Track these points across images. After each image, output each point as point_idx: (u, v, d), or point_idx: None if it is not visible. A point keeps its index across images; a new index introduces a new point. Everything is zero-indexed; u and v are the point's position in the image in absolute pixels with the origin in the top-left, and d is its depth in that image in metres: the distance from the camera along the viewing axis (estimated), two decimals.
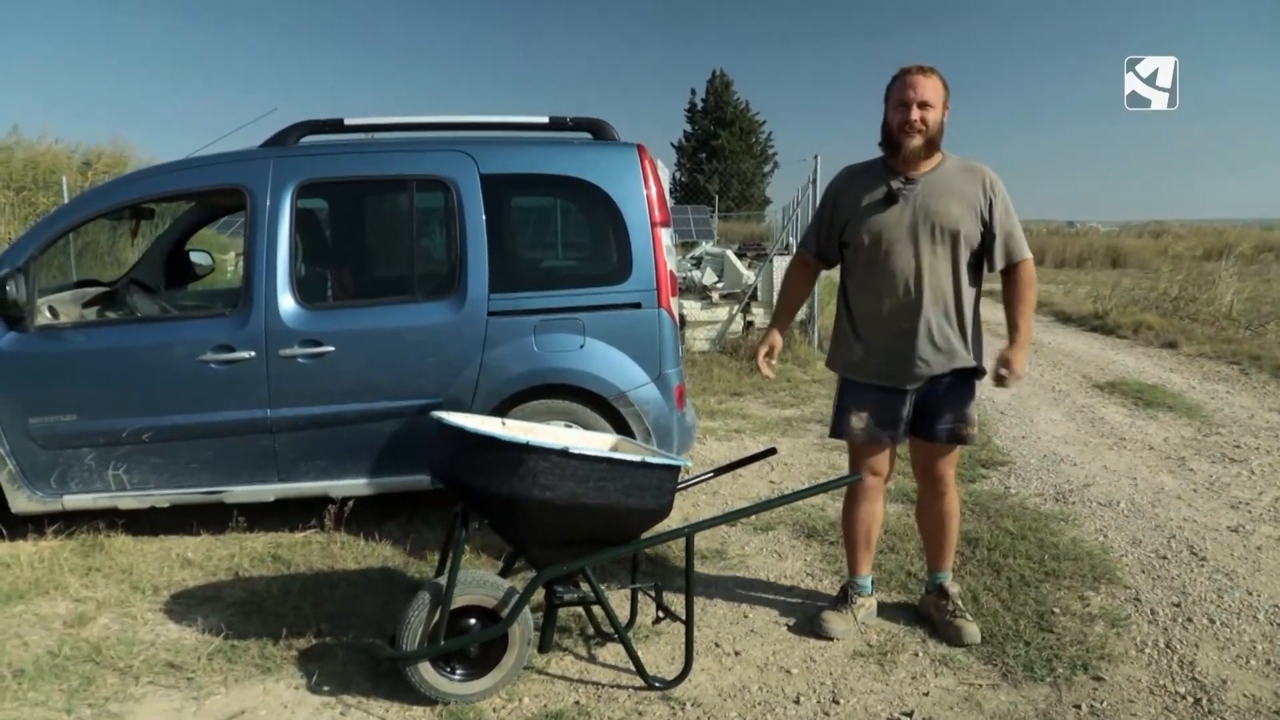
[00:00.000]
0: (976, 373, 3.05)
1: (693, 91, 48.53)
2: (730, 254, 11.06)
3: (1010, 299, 3.02)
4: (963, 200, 2.88)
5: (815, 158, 9.66)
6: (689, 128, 48.11)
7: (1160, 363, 9.12)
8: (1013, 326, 3.00)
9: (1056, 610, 3.29)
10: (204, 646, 3.06)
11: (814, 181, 9.74)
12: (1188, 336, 10.24)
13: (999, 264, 2.96)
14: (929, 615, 3.24)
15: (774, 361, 3.20)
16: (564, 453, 2.52)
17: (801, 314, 10.03)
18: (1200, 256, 16.96)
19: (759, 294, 10.14)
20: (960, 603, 3.21)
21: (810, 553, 3.97)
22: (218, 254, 8.54)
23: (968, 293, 2.95)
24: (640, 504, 2.64)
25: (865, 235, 2.94)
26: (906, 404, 3.01)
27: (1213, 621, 3.23)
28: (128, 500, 3.93)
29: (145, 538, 4.09)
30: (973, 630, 3.08)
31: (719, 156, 46.20)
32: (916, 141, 2.84)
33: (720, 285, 10.56)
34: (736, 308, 9.76)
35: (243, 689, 2.82)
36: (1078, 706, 2.68)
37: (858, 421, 3.06)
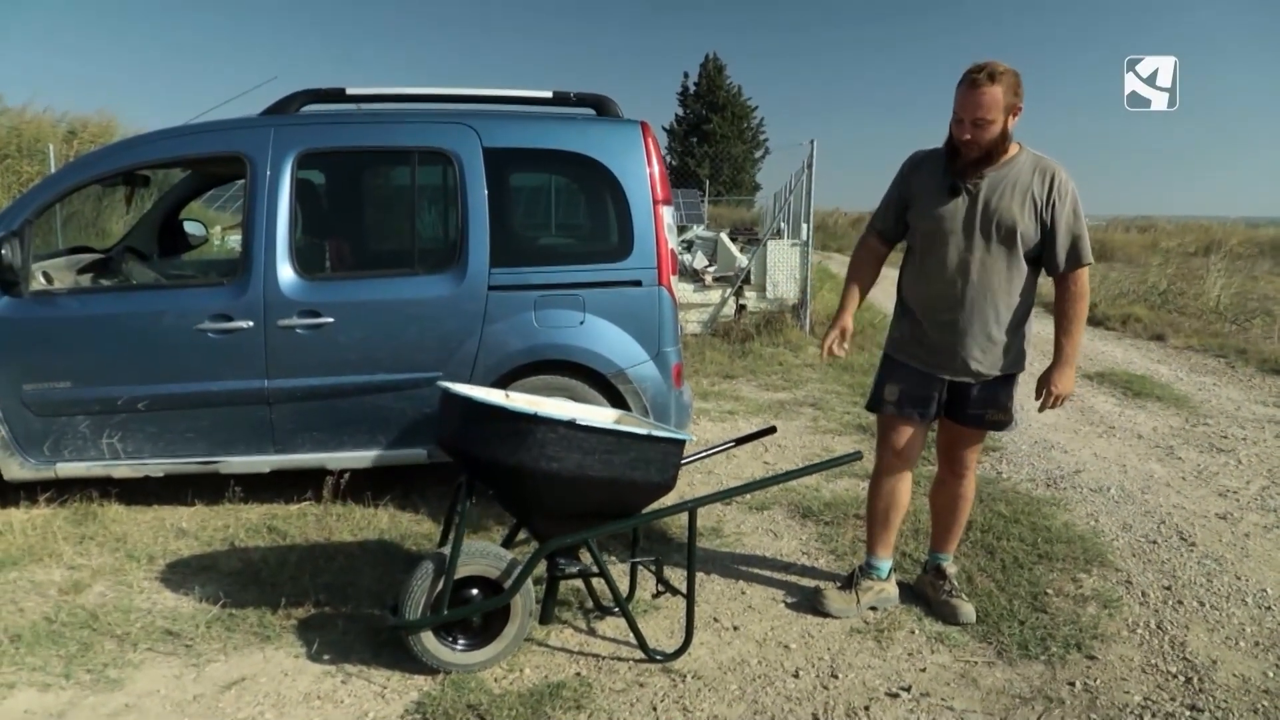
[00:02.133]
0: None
1: (685, 75, 48.41)
2: (724, 237, 11.07)
3: (1060, 310, 2.94)
4: (1026, 198, 2.82)
5: (811, 142, 9.65)
6: (680, 111, 47.97)
7: (1148, 354, 9.21)
8: (1058, 344, 2.95)
9: (1050, 591, 3.33)
10: (202, 615, 3.05)
11: (810, 166, 9.74)
12: (1175, 329, 10.33)
13: (1062, 266, 2.87)
14: (925, 594, 3.27)
15: (846, 346, 3.13)
16: (571, 424, 2.52)
17: (793, 298, 10.06)
18: (1191, 253, 17.09)
19: (751, 277, 10.15)
20: (956, 583, 3.24)
21: (805, 532, 4.00)
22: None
23: (1020, 293, 2.91)
24: (645, 477, 2.64)
25: (924, 222, 2.93)
26: (941, 389, 3.02)
27: (1202, 604, 3.28)
28: (122, 469, 3.90)
29: (139, 507, 4.07)
30: (968, 610, 3.12)
31: (710, 141, 46.07)
32: (971, 155, 2.80)
33: (713, 268, 10.57)
34: (729, 290, 9.77)
35: (242, 657, 2.82)
36: (1072, 684, 2.72)
37: (890, 395, 3.07)
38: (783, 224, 12.84)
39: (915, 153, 3.06)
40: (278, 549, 3.64)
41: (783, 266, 10.07)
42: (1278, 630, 3.08)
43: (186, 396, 3.84)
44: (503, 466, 2.52)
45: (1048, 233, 2.85)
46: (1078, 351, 2.99)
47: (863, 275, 3.20)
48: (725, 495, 2.93)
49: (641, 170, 4.08)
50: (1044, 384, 2.98)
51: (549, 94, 4.33)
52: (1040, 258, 2.92)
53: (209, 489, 4.15)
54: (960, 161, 2.83)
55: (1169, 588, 3.42)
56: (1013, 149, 2.86)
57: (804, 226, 10.21)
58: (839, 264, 20.60)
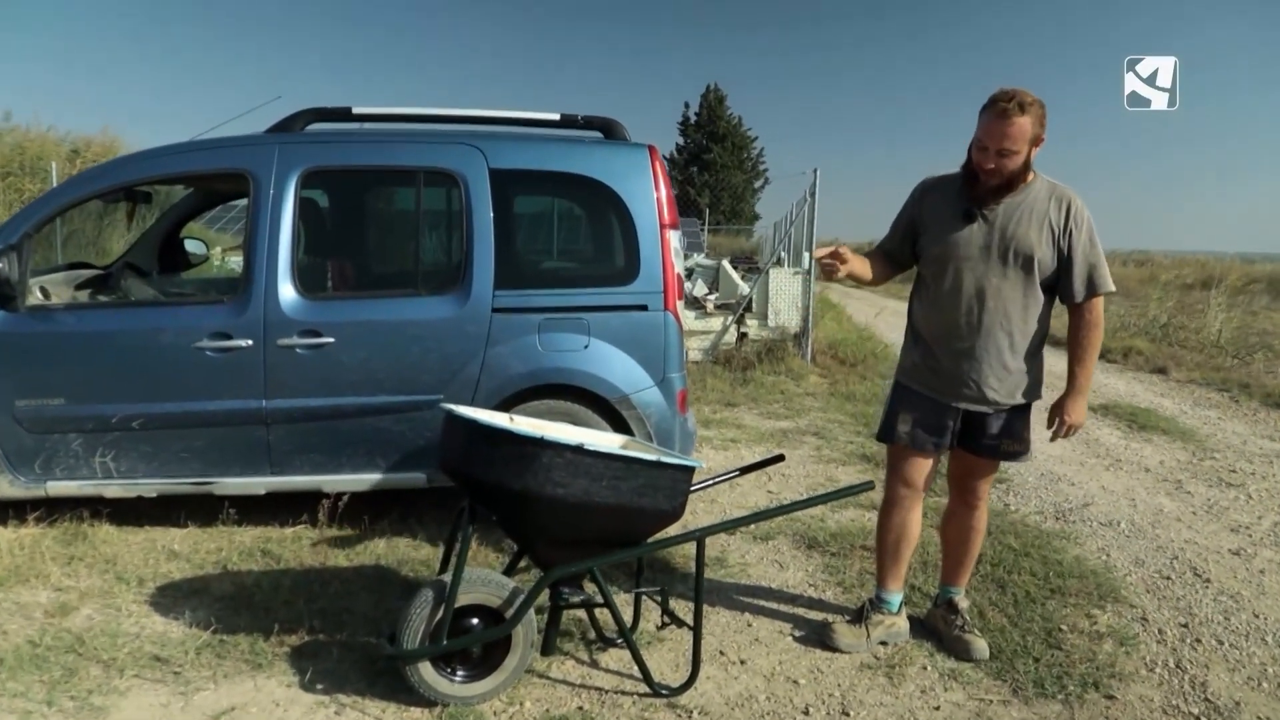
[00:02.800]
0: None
1: (686, 105, 48.76)
2: (726, 265, 11.04)
3: (1074, 339, 2.89)
4: (1043, 226, 2.78)
5: (814, 171, 9.67)
6: (681, 140, 48.30)
7: (1151, 387, 9.15)
8: (1071, 373, 2.89)
9: (1064, 627, 3.25)
10: (191, 640, 2.96)
11: (813, 194, 9.74)
12: (1177, 363, 10.29)
13: (1079, 295, 2.82)
14: (936, 629, 3.18)
15: (839, 266, 2.81)
16: (579, 449, 2.45)
17: (795, 326, 10.02)
18: (1189, 285, 17.11)
19: (753, 305, 10.12)
20: (968, 617, 3.16)
21: (811, 563, 3.91)
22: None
23: (1035, 322, 2.86)
24: (653, 505, 2.57)
25: (938, 249, 2.88)
26: (956, 418, 2.95)
27: (1221, 643, 3.20)
28: (114, 489, 3.82)
29: (130, 528, 3.98)
30: (981, 645, 3.03)
31: (710, 170, 46.37)
32: (992, 182, 2.76)
33: (714, 296, 10.54)
34: (731, 318, 9.73)
35: (232, 685, 2.72)
36: None
37: (904, 425, 2.99)
38: (783, 253, 12.83)
39: (927, 178, 3.03)
40: (271, 573, 3.55)
41: (785, 295, 10.05)
42: None
43: (182, 415, 3.77)
44: (507, 491, 2.45)
45: (1064, 261, 2.81)
46: (1090, 381, 2.93)
47: (880, 269, 3.07)
48: (735, 524, 2.85)
49: (649, 194, 4.04)
50: (1056, 413, 2.93)
51: (556, 116, 4.30)
52: (1055, 285, 2.87)
53: (202, 511, 4.06)
54: (979, 189, 2.78)
55: (1186, 625, 3.33)
56: (1028, 175, 2.82)
57: (806, 255, 10.19)
58: (839, 294, 20.62)
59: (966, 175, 2.84)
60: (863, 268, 2.98)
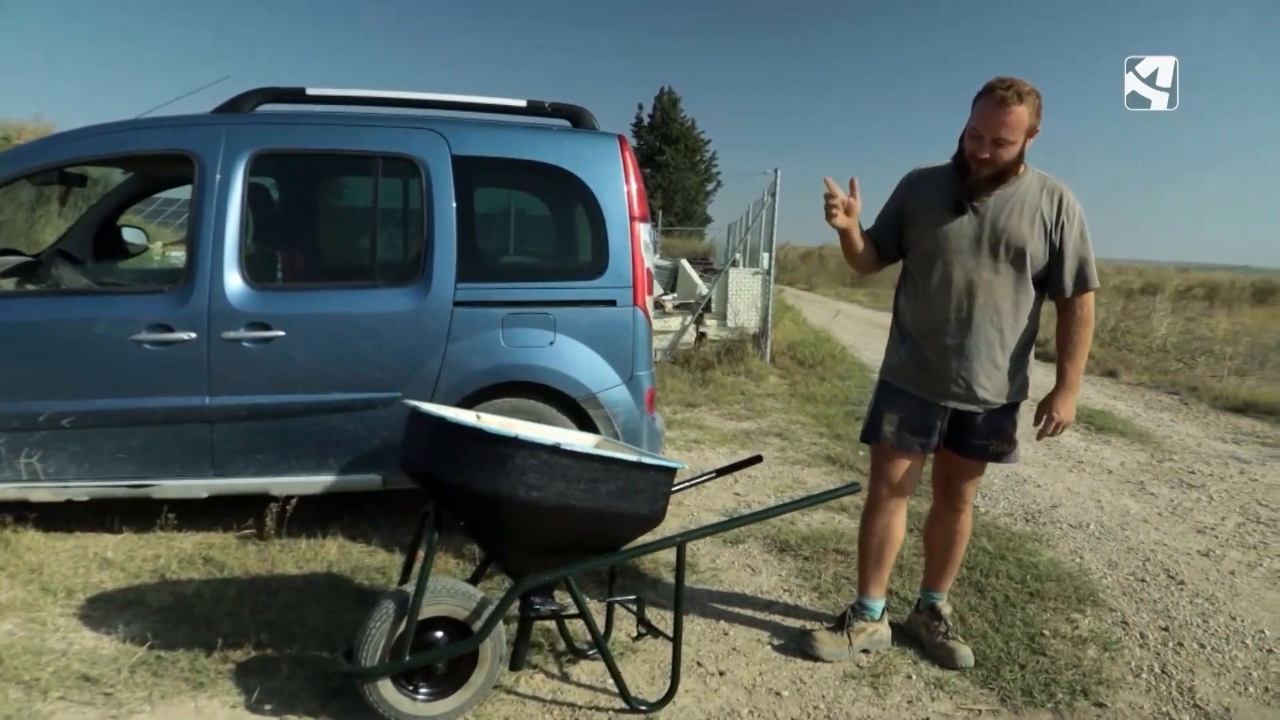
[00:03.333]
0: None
1: (640, 106, 48.76)
2: (685, 264, 10.94)
3: (1064, 336, 2.80)
4: (1034, 219, 2.69)
5: (775, 171, 9.60)
6: (635, 142, 48.22)
7: (1103, 390, 9.27)
8: (1061, 369, 2.80)
9: (1046, 632, 3.17)
10: (125, 657, 2.71)
11: (773, 194, 9.67)
12: (1127, 366, 10.46)
13: (1069, 290, 2.73)
14: (918, 635, 3.08)
15: (838, 211, 2.70)
16: (555, 449, 2.28)
17: (754, 327, 9.94)
18: (1135, 289, 17.49)
19: (712, 305, 10.02)
20: (951, 623, 3.06)
21: (784, 568, 3.79)
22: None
23: (1025, 319, 2.76)
24: (632, 509, 2.41)
25: (926, 241, 2.76)
26: (943, 417, 2.84)
27: (1203, 646, 3.15)
28: (40, 492, 3.53)
29: (58, 534, 3.69)
30: (966, 653, 2.93)
31: (663, 172, 46.40)
32: (985, 172, 2.65)
33: (673, 295, 10.42)
34: (690, 318, 9.61)
35: (170, 706, 2.50)
36: None
37: (889, 425, 2.87)
38: (738, 254, 12.78)
39: (914, 170, 2.91)
40: (214, 583, 3.31)
41: (744, 295, 9.97)
42: None
43: (118, 414, 3.50)
44: (477, 495, 2.27)
45: (1055, 255, 2.72)
46: (1080, 379, 2.85)
47: (869, 251, 2.91)
48: (720, 528, 2.70)
49: (618, 185, 3.88)
50: (1045, 409, 2.82)
51: (522, 103, 4.12)
52: (1046, 281, 2.79)
53: (138, 515, 3.78)
54: (971, 179, 2.68)
55: (1166, 629, 3.28)
56: (1020, 167, 2.72)
57: (765, 255, 10.13)
58: (792, 297, 20.71)
59: (957, 165, 2.73)
60: (858, 233, 2.82)
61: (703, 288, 10.22)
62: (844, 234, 2.78)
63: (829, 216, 2.71)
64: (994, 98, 2.56)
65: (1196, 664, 3.01)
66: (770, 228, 9.94)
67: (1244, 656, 3.08)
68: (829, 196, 2.69)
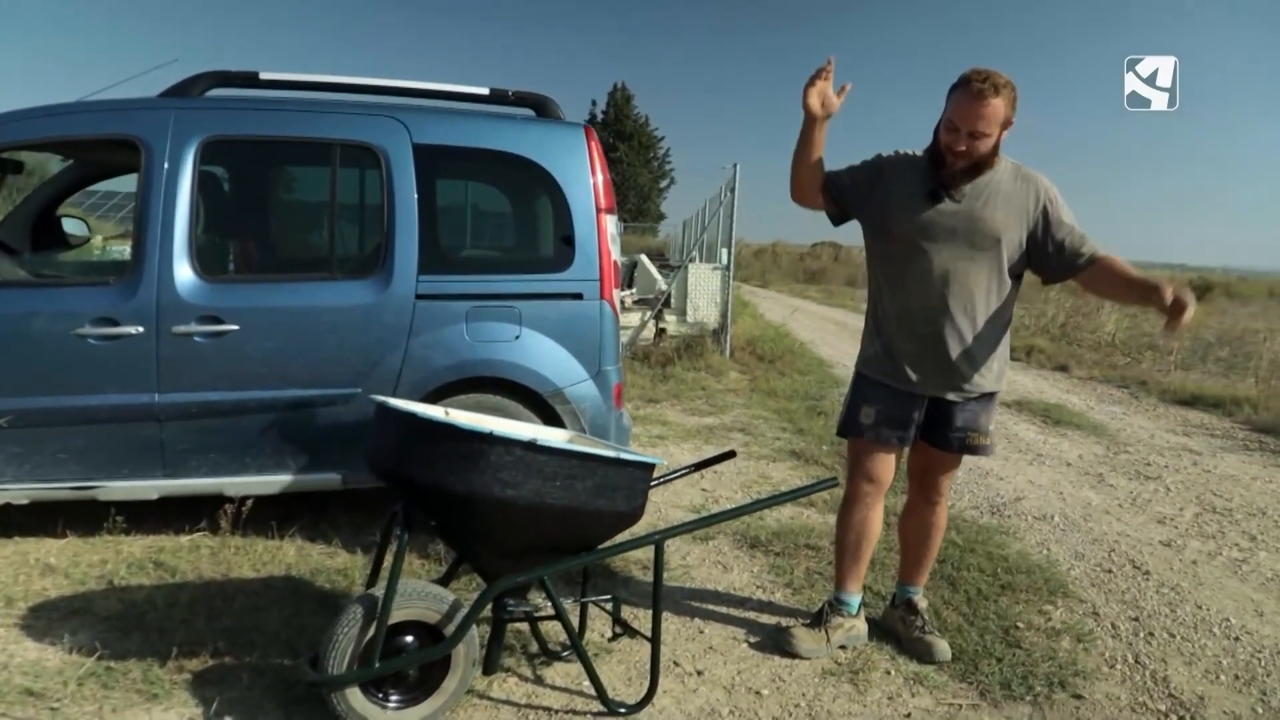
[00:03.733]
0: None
1: (594, 103, 48.64)
2: (645, 259, 10.88)
3: (1113, 276, 2.63)
4: (1010, 207, 2.66)
5: (735, 166, 9.59)
6: None
7: (1056, 384, 9.43)
8: (1139, 282, 2.56)
9: (1020, 625, 3.17)
10: (72, 669, 2.56)
11: (732, 189, 9.66)
12: (1077, 361, 10.67)
13: (1093, 252, 2.63)
14: (895, 630, 3.05)
15: (823, 84, 2.59)
16: (531, 445, 2.20)
17: (714, 322, 9.92)
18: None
19: (672, 301, 9.98)
20: (927, 618, 3.04)
21: (756, 564, 3.75)
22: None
23: (1001, 306, 2.73)
24: (610, 506, 2.34)
25: (901, 229, 2.70)
26: (920, 409, 2.81)
27: (1173, 635, 3.18)
28: None
29: None
30: (943, 646, 2.91)
31: (617, 168, 46.30)
32: (959, 165, 2.61)
33: (632, 291, 10.35)
34: (649, 313, 9.56)
35: None
36: None
37: (866, 418, 2.82)
38: (695, 252, 12.76)
39: (895, 152, 2.83)
40: (166, 588, 3.15)
41: (703, 290, 9.95)
42: (1253, 661, 2.99)
43: (60, 412, 3.32)
44: (449, 494, 2.17)
45: (1046, 241, 2.69)
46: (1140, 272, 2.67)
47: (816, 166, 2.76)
48: (697, 525, 2.63)
49: (584, 176, 3.79)
50: (1179, 304, 2.41)
51: (485, 91, 4.01)
52: (1019, 270, 2.77)
53: (83, 518, 3.60)
54: (945, 171, 2.64)
55: (1136, 619, 3.30)
56: (995, 159, 2.70)
57: (724, 251, 10.12)
58: (748, 293, 20.79)
59: (932, 157, 2.70)
60: (821, 136, 2.68)
61: (662, 283, 10.18)
62: (809, 122, 2.63)
63: (808, 84, 2.57)
64: (970, 90, 2.53)
65: (1168, 653, 3.04)
66: (729, 223, 9.94)
67: (1213, 644, 3.11)
68: (821, 70, 2.56)
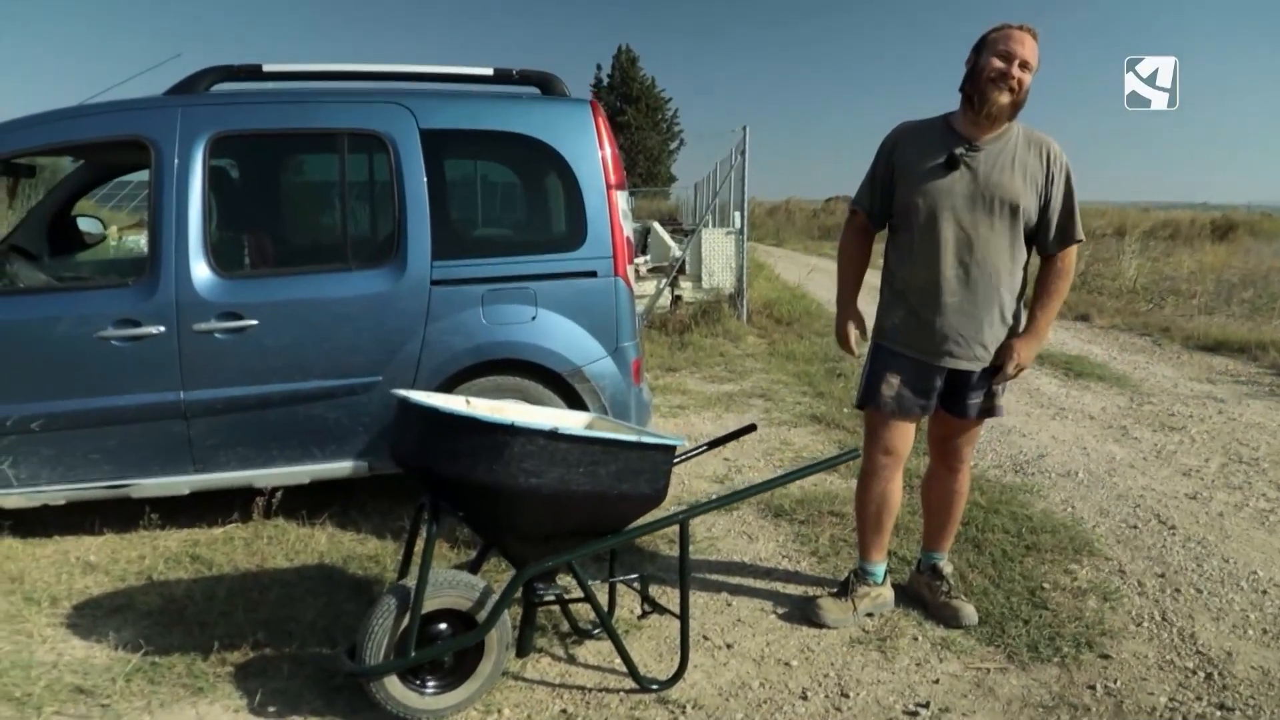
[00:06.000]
0: None
1: (599, 67, 48.11)
2: (658, 227, 10.83)
3: (1041, 286, 2.79)
4: (1025, 174, 2.66)
5: (744, 128, 9.48)
6: None
7: (1077, 335, 9.35)
8: (1032, 315, 2.79)
9: (1046, 585, 3.19)
10: (119, 666, 2.64)
11: (743, 152, 9.56)
12: (1099, 310, 10.55)
13: (1053, 247, 2.74)
14: (921, 596, 3.08)
15: (864, 339, 2.99)
16: (552, 434, 2.22)
17: (730, 287, 9.89)
18: (1103, 235, 17.63)
19: (686, 267, 9.94)
20: (953, 582, 3.06)
21: (781, 533, 3.78)
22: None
23: (1018, 272, 2.75)
24: (634, 489, 2.36)
25: (919, 200, 2.69)
26: (942, 377, 2.81)
27: (1200, 591, 3.18)
28: (14, 499, 3.41)
29: (37, 540, 3.58)
30: (969, 611, 2.94)
31: (625, 132, 45.90)
32: (1005, 99, 2.59)
33: (646, 259, 10.32)
34: (664, 281, 9.53)
35: (171, 714, 2.43)
36: (1092, 687, 2.56)
37: (888, 390, 2.82)
38: (707, 215, 12.68)
39: (901, 125, 2.85)
40: (204, 581, 3.23)
41: (718, 255, 9.91)
42: None
43: (89, 414, 3.38)
44: (475, 486, 2.20)
45: (1045, 210, 2.69)
46: (1048, 329, 2.86)
47: (857, 261, 2.98)
48: (721, 503, 2.67)
49: (593, 153, 3.78)
50: (1007, 354, 2.76)
51: (489, 71, 3.98)
52: (1033, 235, 2.76)
53: (119, 516, 3.68)
54: (989, 107, 2.59)
55: (1163, 575, 3.31)
56: (1008, 122, 2.68)
57: (736, 215, 10.05)
58: (763, 253, 20.66)
59: (973, 101, 2.63)
60: (856, 292, 2.98)
61: (676, 250, 10.13)
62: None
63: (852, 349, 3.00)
64: (1012, 28, 2.60)
65: (1195, 609, 3.05)
66: (741, 186, 9.85)
67: (1240, 599, 3.12)
68: (845, 341, 2.98)
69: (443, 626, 2.38)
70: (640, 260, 10.27)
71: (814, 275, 14.39)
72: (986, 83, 2.59)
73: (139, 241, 11.54)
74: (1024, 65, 2.58)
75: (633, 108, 46.39)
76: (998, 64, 2.58)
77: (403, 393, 2.40)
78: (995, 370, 2.81)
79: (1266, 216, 37.24)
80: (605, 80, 47.53)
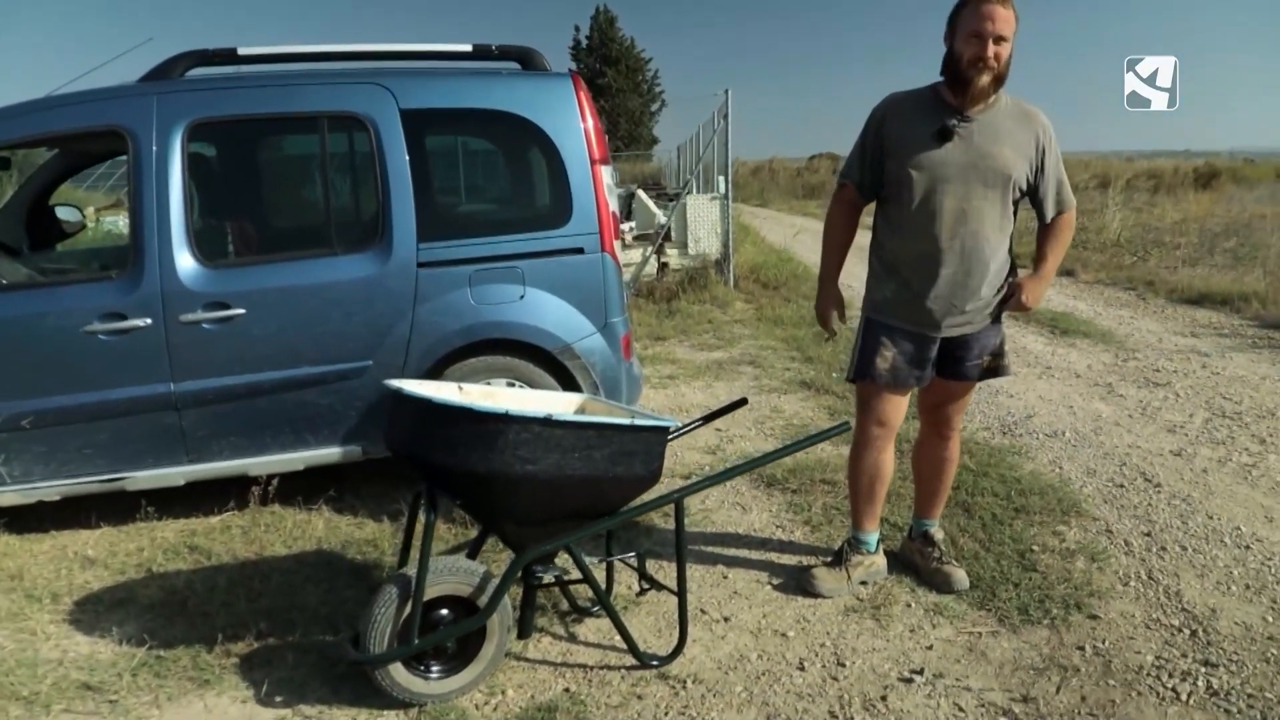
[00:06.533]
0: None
1: (576, 28, 47.45)
2: (642, 194, 10.77)
3: (1048, 237, 2.84)
4: (1016, 145, 2.67)
5: (726, 92, 9.39)
6: (574, 66, 46.96)
7: (1062, 290, 9.40)
8: (1040, 258, 2.84)
9: (1035, 548, 3.25)
10: (124, 661, 2.66)
11: (725, 117, 9.49)
12: (1084, 264, 10.60)
13: (1049, 214, 2.78)
14: (913, 562, 3.13)
15: (843, 322, 3.03)
16: (547, 421, 2.24)
17: (716, 252, 9.88)
18: (1085, 186, 17.64)
19: (672, 234, 9.91)
20: (944, 548, 3.11)
21: (774, 503, 3.83)
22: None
23: (1005, 242, 2.78)
24: (629, 471, 2.39)
25: (911, 172, 2.69)
26: (935, 347, 2.84)
27: (1184, 549, 3.25)
28: (9, 496, 3.41)
29: (34, 535, 3.59)
30: (961, 575, 3.00)
31: (606, 95, 45.40)
32: (986, 79, 2.58)
33: (631, 224, 10.27)
34: (650, 249, 9.51)
35: (179, 708, 2.46)
36: (1081, 648, 2.62)
37: (883, 363, 2.84)
38: (691, 178, 12.61)
39: (890, 96, 2.83)
40: (204, 571, 3.25)
41: (703, 222, 9.88)
42: (1263, 570, 3.07)
43: (79, 409, 3.37)
44: (471, 475, 2.22)
45: (1038, 180, 2.71)
46: (1054, 274, 2.92)
47: (842, 236, 2.98)
48: (714, 481, 2.69)
49: (576, 127, 3.75)
50: (1015, 289, 2.81)
51: (468, 47, 3.93)
52: (1017, 202, 2.78)
53: (115, 508, 3.69)
54: (973, 87, 2.60)
55: (1149, 534, 3.38)
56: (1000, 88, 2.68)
57: (721, 179, 10.00)
58: (748, 214, 20.59)
59: (953, 83, 2.64)
60: (839, 269, 2.98)
61: (661, 217, 10.09)
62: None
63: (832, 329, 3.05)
64: (979, 1, 2.54)
65: (1180, 567, 3.11)
66: (725, 151, 9.79)
67: (1224, 555, 3.19)
68: (824, 320, 3.02)
69: (444, 612, 2.41)
70: (625, 227, 10.23)
71: (800, 237, 14.36)
72: (966, 67, 2.59)
73: (118, 222, 11.41)
74: (999, 39, 2.55)
75: (612, 69, 45.85)
76: (970, 48, 2.57)
77: (396, 383, 2.41)
78: (995, 325, 2.86)
79: (1249, 163, 37.28)
80: (584, 42, 46.91)
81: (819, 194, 34.27)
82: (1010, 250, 2.83)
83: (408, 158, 3.57)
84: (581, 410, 2.87)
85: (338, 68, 3.77)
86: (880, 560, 3.09)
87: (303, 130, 3.76)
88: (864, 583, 3.04)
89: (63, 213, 4.74)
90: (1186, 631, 2.70)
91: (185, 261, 3.40)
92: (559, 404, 2.85)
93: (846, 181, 2.92)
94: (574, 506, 2.42)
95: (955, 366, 2.86)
